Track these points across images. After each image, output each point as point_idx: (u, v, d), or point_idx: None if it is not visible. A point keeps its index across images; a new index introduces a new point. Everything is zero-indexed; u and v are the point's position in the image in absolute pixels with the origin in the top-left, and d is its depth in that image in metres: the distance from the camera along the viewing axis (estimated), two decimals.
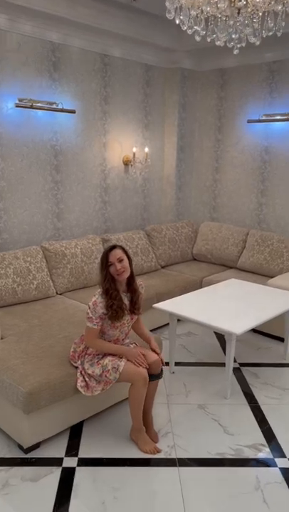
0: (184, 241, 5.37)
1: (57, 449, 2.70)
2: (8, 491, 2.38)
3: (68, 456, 2.65)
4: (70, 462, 2.60)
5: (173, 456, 2.67)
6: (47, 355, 2.86)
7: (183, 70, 5.43)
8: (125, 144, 5.18)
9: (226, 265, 5.22)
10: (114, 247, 2.71)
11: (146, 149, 5.25)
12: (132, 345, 2.87)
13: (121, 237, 4.78)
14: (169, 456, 2.67)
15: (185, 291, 4.43)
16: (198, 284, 4.76)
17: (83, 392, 2.69)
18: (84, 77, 4.62)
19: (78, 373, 2.73)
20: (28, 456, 2.64)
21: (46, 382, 2.59)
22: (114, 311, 2.63)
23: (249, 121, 5.17)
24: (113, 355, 2.72)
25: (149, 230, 5.20)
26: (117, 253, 2.66)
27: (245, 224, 5.45)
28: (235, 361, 3.86)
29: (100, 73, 4.76)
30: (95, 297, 2.65)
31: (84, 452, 2.69)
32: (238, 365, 3.80)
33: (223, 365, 3.78)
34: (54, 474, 2.50)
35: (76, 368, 2.77)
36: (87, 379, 2.71)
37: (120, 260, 2.64)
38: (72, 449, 2.71)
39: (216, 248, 5.24)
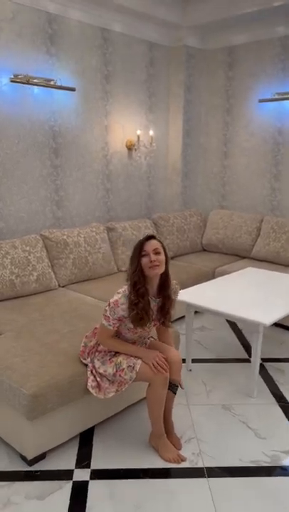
0: (192, 230, 5.02)
1: (66, 460, 2.33)
2: (11, 510, 2.02)
3: (79, 467, 2.29)
4: (81, 475, 2.23)
5: (200, 465, 2.31)
6: (51, 352, 2.50)
7: (188, 49, 5.09)
8: (128, 127, 4.83)
9: (239, 255, 4.87)
10: (152, 236, 2.31)
11: (152, 132, 4.89)
12: (150, 340, 2.51)
13: (127, 225, 4.42)
14: (195, 466, 2.31)
15: (198, 283, 4.07)
16: (211, 275, 4.41)
17: (94, 394, 2.33)
18: (83, 53, 4.26)
19: (88, 372, 2.37)
20: (33, 468, 2.27)
21: (54, 383, 2.23)
22: (137, 312, 2.23)
23: (261, 101, 4.83)
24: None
25: (156, 218, 4.85)
26: (154, 244, 2.26)
27: (257, 211, 5.10)
28: None
29: (100, 49, 4.41)
30: (118, 296, 2.26)
31: (97, 463, 2.32)
32: (260, 361, 3.44)
33: (243, 361, 3.45)
34: (64, 490, 2.13)
35: (86, 365, 2.41)
36: (98, 379, 2.35)
37: (157, 252, 2.24)
38: (83, 460, 2.34)
39: (227, 237, 4.89)
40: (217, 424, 2.66)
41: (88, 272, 3.92)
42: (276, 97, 4.71)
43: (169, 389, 2.35)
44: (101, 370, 2.33)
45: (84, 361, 2.43)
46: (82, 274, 3.88)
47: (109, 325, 2.29)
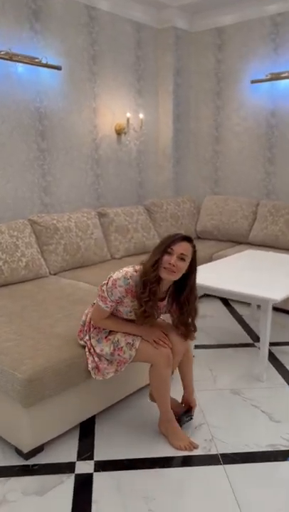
0: (186, 217, 4.84)
1: (66, 452, 2.11)
2: (7, 509, 1.79)
3: (82, 459, 2.07)
4: (84, 467, 2.02)
5: (214, 451, 2.12)
6: (46, 336, 2.28)
7: (176, 30, 4.93)
8: (117, 111, 4.64)
9: (235, 241, 4.71)
10: (187, 238, 2.04)
11: (141, 115, 4.71)
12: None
13: (119, 211, 4.22)
14: (209, 452, 2.11)
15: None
16: (208, 261, 4.23)
17: (93, 376, 2.13)
18: (69, 31, 4.06)
19: (87, 352, 2.16)
20: (30, 462, 2.04)
21: (50, 366, 2.01)
22: (145, 310, 2.02)
23: (253, 82, 4.69)
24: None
25: (149, 204, 4.66)
26: (185, 248, 2.00)
27: (252, 197, 4.95)
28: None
29: (86, 28, 4.22)
30: (118, 275, 2.04)
31: (101, 454, 2.11)
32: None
33: (247, 345, 3.30)
34: (66, 484, 1.91)
35: (84, 347, 2.20)
36: (96, 359, 2.13)
37: (182, 258, 2.00)
38: (85, 451, 2.13)
39: (222, 223, 4.72)
40: (227, 409, 2.47)
41: (80, 259, 3.70)
42: (269, 77, 4.57)
43: (180, 422, 2.22)
44: (98, 350, 2.12)
45: (81, 342, 2.21)
46: (75, 260, 3.66)
47: (106, 307, 2.08)
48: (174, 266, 1.97)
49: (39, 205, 4.06)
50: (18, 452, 2.07)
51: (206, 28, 5.01)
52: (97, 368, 2.13)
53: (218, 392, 2.63)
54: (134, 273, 2.03)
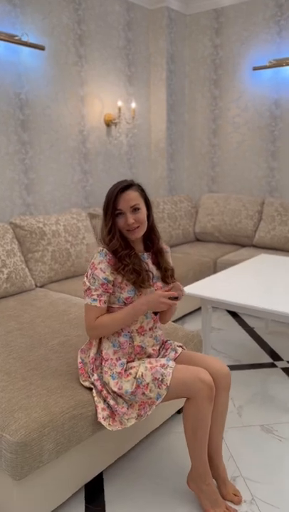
0: (184, 218, 4.40)
1: None
2: None
3: None
4: None
5: None
6: (40, 375, 1.79)
7: (170, 12, 4.47)
8: (106, 100, 4.14)
9: (239, 243, 4.29)
10: (128, 185, 1.68)
11: (134, 105, 4.23)
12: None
13: None
14: None
15: (201, 276, 3.47)
16: (212, 267, 3.80)
17: (108, 427, 1.64)
18: (52, 6, 3.55)
19: (96, 397, 1.67)
20: None
21: (48, 421, 1.52)
22: (134, 269, 1.64)
23: (255, 69, 4.27)
24: (149, 356, 1.75)
25: None
26: (132, 197, 1.66)
27: (253, 195, 4.55)
28: (281, 359, 2.93)
29: (71, 4, 3.70)
30: (93, 256, 1.68)
31: None
32: (288, 365, 2.86)
33: (268, 366, 2.86)
34: None
35: (90, 389, 1.71)
36: (111, 402, 1.65)
37: (135, 209, 1.65)
38: None
39: (225, 224, 4.29)
40: (262, 453, 2.03)
41: (71, 268, 3.21)
42: (273, 62, 4.16)
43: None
44: (115, 388, 1.64)
45: (86, 383, 1.73)
46: (64, 270, 3.16)
47: (94, 300, 1.64)
48: (133, 223, 1.65)
49: (20, 206, 3.54)
50: None
51: (203, 10, 4.57)
52: (112, 415, 1.65)
53: (246, 431, 2.19)
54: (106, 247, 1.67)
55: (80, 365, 1.78)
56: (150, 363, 1.66)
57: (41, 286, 3.05)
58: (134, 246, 1.72)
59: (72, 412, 1.59)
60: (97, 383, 1.68)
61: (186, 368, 1.64)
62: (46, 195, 3.73)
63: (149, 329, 1.75)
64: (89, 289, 1.65)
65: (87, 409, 1.63)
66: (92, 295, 1.64)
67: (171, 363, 1.65)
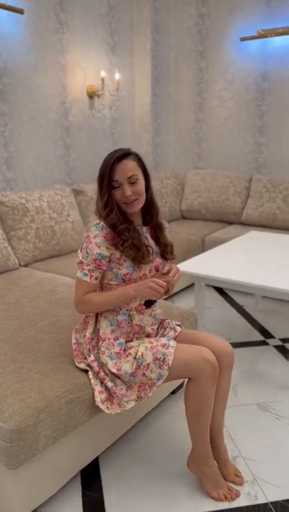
0: (170, 195, 4.29)
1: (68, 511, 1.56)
2: None
3: None
4: None
5: (261, 499, 1.63)
6: (31, 358, 1.68)
7: None
8: (88, 70, 3.95)
9: (226, 220, 4.21)
10: (125, 154, 1.56)
11: (117, 76, 4.05)
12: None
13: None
14: (256, 502, 1.62)
15: (189, 254, 3.38)
16: (201, 245, 3.73)
17: (106, 410, 1.55)
18: None
19: (93, 379, 1.58)
20: None
21: (44, 406, 1.42)
22: (133, 244, 1.54)
23: (242, 39, 4.13)
24: (147, 336, 1.67)
25: None
26: (129, 167, 1.54)
27: (240, 171, 4.46)
28: (272, 337, 2.90)
29: None
30: (90, 230, 1.57)
31: (114, 509, 1.57)
32: (280, 342, 2.83)
33: (260, 344, 2.82)
34: None
35: (86, 371, 1.62)
36: (109, 383, 1.56)
37: (133, 182, 1.54)
38: (92, 509, 1.57)
39: (212, 201, 4.20)
40: (260, 432, 1.99)
41: (56, 246, 3.07)
42: (261, 32, 4.03)
43: (146, 305, 1.64)
44: (114, 369, 1.55)
45: (81, 365, 1.63)
46: (49, 248, 3.03)
47: (85, 274, 1.55)
48: (131, 195, 1.54)
49: (0, 182, 3.36)
50: None
51: None
52: (109, 398, 1.57)
53: (243, 409, 2.15)
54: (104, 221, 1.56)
55: (74, 346, 1.68)
56: (150, 342, 1.58)
57: (25, 266, 2.91)
58: (133, 220, 1.61)
59: (69, 396, 1.49)
60: (94, 364, 1.59)
61: (188, 347, 1.56)
62: (28, 170, 3.55)
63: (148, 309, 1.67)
64: (81, 262, 1.56)
65: (84, 392, 1.54)
66: (84, 269, 1.55)
67: (173, 342, 1.57)
